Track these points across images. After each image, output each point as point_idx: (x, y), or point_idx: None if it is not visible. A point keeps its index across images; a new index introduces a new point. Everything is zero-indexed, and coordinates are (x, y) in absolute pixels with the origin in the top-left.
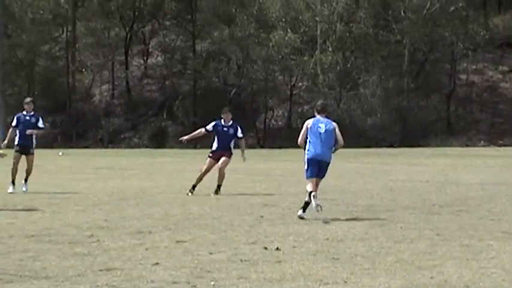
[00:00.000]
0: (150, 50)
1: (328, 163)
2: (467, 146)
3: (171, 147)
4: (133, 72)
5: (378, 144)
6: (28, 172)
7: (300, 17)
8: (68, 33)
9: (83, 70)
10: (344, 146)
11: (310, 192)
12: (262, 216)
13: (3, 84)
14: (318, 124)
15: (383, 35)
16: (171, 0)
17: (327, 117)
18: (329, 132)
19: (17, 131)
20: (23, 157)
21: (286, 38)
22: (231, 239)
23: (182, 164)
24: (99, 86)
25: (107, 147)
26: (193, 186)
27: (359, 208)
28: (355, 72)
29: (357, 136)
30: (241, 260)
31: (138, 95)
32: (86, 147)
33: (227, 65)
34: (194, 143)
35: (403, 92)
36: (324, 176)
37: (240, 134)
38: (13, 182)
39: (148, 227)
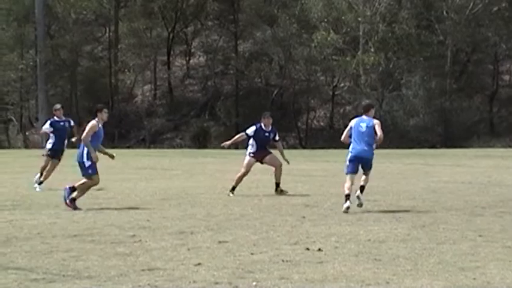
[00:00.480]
0: (192, 50)
1: (370, 159)
2: (510, 147)
3: (213, 147)
4: (176, 73)
5: (420, 145)
6: (44, 170)
7: (343, 18)
8: (111, 34)
9: (126, 70)
10: (387, 147)
11: (348, 191)
12: (304, 217)
13: (46, 85)
14: (360, 123)
15: (425, 35)
16: (214, 1)
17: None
18: (369, 128)
19: (52, 136)
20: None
21: (329, 39)
22: (273, 239)
23: (224, 165)
24: (141, 87)
25: (149, 147)
26: (233, 188)
27: (401, 209)
28: (398, 73)
29: (399, 137)
30: (283, 261)
31: (180, 96)
32: (128, 147)
33: (269, 65)
34: (236, 145)
35: (446, 93)
36: (369, 168)
37: (277, 137)
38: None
39: (190, 227)
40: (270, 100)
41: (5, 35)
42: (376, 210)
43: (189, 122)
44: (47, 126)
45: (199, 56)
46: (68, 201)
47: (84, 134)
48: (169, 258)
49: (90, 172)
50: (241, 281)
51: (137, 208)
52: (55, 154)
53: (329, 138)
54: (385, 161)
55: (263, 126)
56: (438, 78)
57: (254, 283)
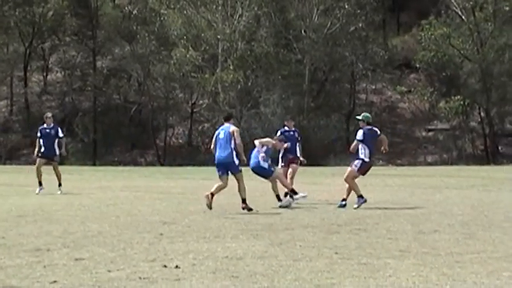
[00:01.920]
0: (49, 66)
1: (229, 163)
2: None
3: (71, 164)
4: (33, 89)
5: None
6: (58, 177)
7: (202, 35)
8: None
9: None
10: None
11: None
12: (161, 234)
13: None
14: (219, 130)
15: (284, 54)
16: (72, 16)
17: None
18: (226, 134)
19: (41, 142)
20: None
21: (188, 56)
22: (130, 256)
23: (81, 182)
24: None
25: (4, 163)
26: (293, 191)
27: (259, 226)
28: (256, 91)
29: None
30: (140, 278)
31: (37, 111)
32: None
33: (128, 82)
34: (94, 160)
35: (304, 111)
36: (229, 172)
37: (299, 137)
38: (40, 183)
39: (46, 244)
40: (128, 117)
41: None
42: (234, 227)
43: None
44: (38, 135)
45: (57, 72)
46: None
47: None
48: (24, 276)
49: None
50: None
51: None
52: (46, 157)
53: (187, 155)
54: (245, 178)
55: (286, 129)
56: (296, 96)
57: None
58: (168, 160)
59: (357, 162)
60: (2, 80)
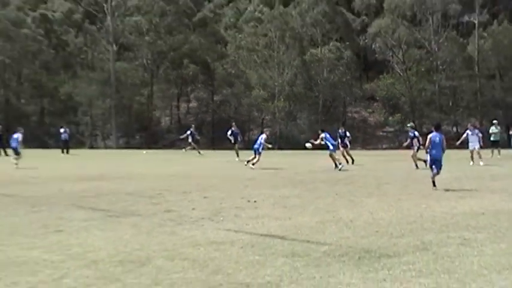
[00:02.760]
0: (190, 99)
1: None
2: None
3: (201, 149)
4: (182, 111)
5: (305, 148)
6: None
7: (267, 83)
8: (149, 91)
9: (156, 109)
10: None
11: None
12: (247, 185)
13: (116, 116)
14: (434, 137)
15: (308, 93)
16: (201, 74)
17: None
18: (441, 138)
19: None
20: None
21: (260, 94)
22: (232, 196)
23: (206, 158)
24: (164, 118)
25: (167, 149)
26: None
27: (297, 181)
28: (295, 111)
29: (296, 144)
30: (236, 207)
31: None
32: (157, 149)
33: (229, 107)
34: (213, 147)
35: (318, 121)
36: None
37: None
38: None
39: (189, 189)
40: (229, 126)
41: (95, 91)
42: (284, 181)
43: None
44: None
45: (194, 102)
46: None
47: None
48: (178, 205)
49: None
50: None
51: (162, 180)
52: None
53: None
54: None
55: (340, 131)
56: (314, 115)
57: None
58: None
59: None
60: (166, 107)
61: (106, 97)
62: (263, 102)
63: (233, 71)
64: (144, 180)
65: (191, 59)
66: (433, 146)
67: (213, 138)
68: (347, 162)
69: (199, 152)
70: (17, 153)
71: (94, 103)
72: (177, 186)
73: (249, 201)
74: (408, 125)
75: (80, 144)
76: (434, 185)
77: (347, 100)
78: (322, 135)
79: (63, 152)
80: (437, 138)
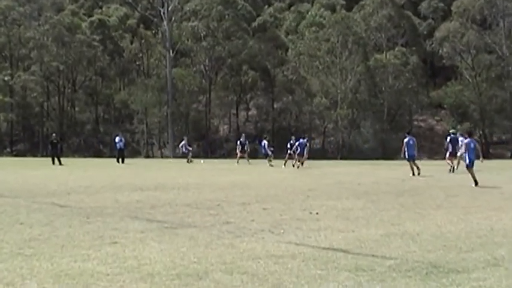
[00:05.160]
0: (249, 107)
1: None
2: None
3: (260, 159)
4: (241, 119)
5: (370, 158)
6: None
7: (329, 90)
8: (207, 98)
9: (214, 117)
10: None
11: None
12: (308, 196)
13: (173, 125)
14: (466, 140)
15: (373, 100)
16: (261, 81)
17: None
18: (475, 143)
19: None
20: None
21: (322, 102)
22: (292, 207)
23: (266, 168)
24: (222, 126)
25: (225, 158)
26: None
27: (360, 192)
28: (358, 120)
29: (359, 154)
30: (297, 219)
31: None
32: (215, 158)
33: (290, 115)
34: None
35: (384, 130)
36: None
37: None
38: None
39: (247, 200)
40: (290, 134)
41: (151, 99)
42: (346, 192)
43: None
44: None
45: (253, 110)
46: None
47: None
48: (237, 217)
49: None
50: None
51: (221, 190)
52: None
53: (321, 155)
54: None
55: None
56: (380, 123)
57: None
58: (310, 157)
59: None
60: (225, 114)
61: (162, 105)
62: (325, 110)
63: (294, 78)
64: (201, 191)
65: (250, 65)
66: (469, 150)
67: (273, 147)
68: (413, 173)
69: (246, 161)
70: None
71: (150, 111)
72: (235, 197)
73: (310, 213)
74: (451, 131)
75: (136, 153)
76: (476, 183)
77: (413, 108)
78: (406, 139)
79: (118, 161)
80: (472, 144)
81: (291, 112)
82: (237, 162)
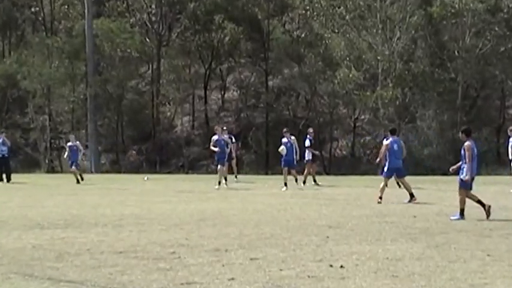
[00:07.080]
0: (227, 85)
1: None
2: None
3: (245, 173)
4: (211, 106)
5: (433, 173)
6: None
7: (363, 56)
8: (153, 70)
9: (166, 103)
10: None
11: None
12: (328, 237)
13: (95, 116)
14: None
15: (438, 73)
16: (246, 41)
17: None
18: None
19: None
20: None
21: (350, 75)
22: (300, 257)
23: (254, 189)
24: (180, 118)
25: (187, 173)
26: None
27: (416, 230)
28: (413, 107)
29: (414, 165)
30: (309, 276)
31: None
32: (168, 172)
33: (296, 99)
34: (266, 170)
35: (457, 125)
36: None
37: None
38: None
39: (224, 245)
40: (297, 130)
41: (58, 71)
42: (393, 231)
43: None
44: None
45: (233, 91)
46: None
47: None
48: (205, 273)
49: None
50: None
51: (177, 228)
52: None
53: (350, 165)
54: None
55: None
56: (450, 111)
57: None
58: (333, 170)
59: None
60: (185, 98)
61: (77, 82)
62: (356, 90)
63: (302, 35)
64: (144, 229)
65: (228, 13)
66: None
67: (267, 153)
68: None
69: (236, 177)
70: None
71: (56, 92)
72: (203, 239)
73: (331, 265)
74: None
75: (32, 165)
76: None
77: (507, 87)
78: (387, 141)
79: (0, 178)
80: None
81: (296, 93)
82: (223, 181)
